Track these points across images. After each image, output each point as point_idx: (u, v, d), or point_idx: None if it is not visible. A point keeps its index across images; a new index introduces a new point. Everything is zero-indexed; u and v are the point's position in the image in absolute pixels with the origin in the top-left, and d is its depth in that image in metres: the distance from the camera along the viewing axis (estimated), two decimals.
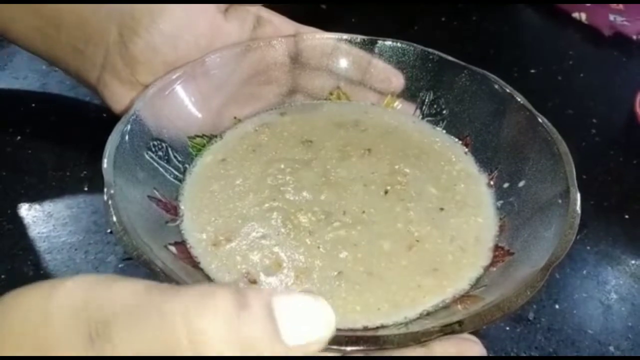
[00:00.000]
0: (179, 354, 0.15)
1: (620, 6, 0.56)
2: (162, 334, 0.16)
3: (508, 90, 0.35)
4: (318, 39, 0.39)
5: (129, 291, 0.17)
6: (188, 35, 0.34)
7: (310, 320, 0.17)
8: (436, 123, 0.38)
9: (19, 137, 0.41)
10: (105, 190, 0.26)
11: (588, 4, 0.57)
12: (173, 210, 0.31)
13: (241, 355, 0.16)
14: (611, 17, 0.56)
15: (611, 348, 0.30)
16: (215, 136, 0.36)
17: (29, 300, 0.17)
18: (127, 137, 0.29)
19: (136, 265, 0.32)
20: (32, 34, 0.37)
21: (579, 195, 0.28)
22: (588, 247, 0.35)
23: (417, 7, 0.56)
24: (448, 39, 0.39)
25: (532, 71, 0.49)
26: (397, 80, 0.38)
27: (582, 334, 0.31)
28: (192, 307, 0.16)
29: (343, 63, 0.39)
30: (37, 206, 0.37)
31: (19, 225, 0.35)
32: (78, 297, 0.16)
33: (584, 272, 0.33)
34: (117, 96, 0.35)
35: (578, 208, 0.27)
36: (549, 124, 0.32)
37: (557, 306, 0.32)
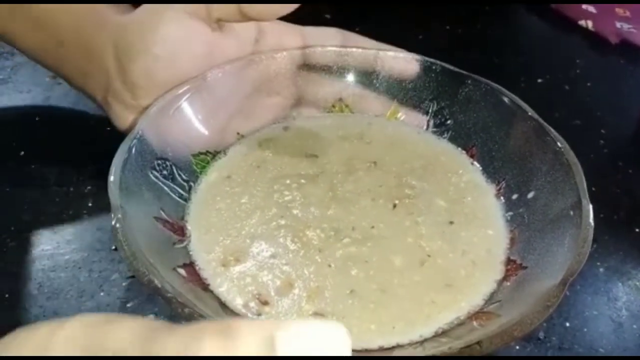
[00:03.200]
0: None
1: (627, 13, 0.56)
2: None
3: (513, 100, 0.35)
4: (322, 50, 0.38)
5: (125, 334, 0.16)
6: (184, 56, 0.34)
7: (322, 346, 0.15)
8: (441, 134, 0.38)
9: (22, 152, 0.40)
10: (112, 214, 0.26)
11: (594, 11, 0.56)
12: (180, 231, 0.30)
13: None
14: (618, 25, 0.55)
15: None
16: (219, 152, 0.35)
17: (29, 341, 0.17)
18: (131, 158, 0.29)
19: (139, 284, 0.32)
20: (38, 50, 0.37)
21: (591, 207, 0.28)
22: (598, 263, 0.34)
23: (421, 15, 0.56)
24: (452, 48, 0.39)
25: (539, 80, 0.49)
26: (411, 64, 0.38)
27: (593, 353, 0.30)
28: (181, 350, 0.15)
29: (350, 67, 0.39)
30: (40, 223, 0.36)
31: (22, 242, 0.35)
32: (79, 337, 0.16)
33: (594, 288, 0.33)
34: (123, 119, 0.35)
35: (591, 220, 0.27)
36: (556, 133, 0.32)
37: (567, 324, 0.31)
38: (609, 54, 0.54)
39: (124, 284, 0.32)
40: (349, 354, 0.15)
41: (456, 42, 0.54)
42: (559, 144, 0.31)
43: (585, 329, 0.31)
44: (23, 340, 0.17)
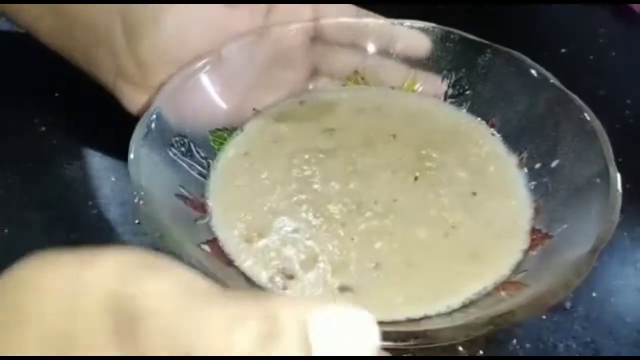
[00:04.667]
0: None
1: None
2: (186, 346, 0.14)
3: (535, 68, 0.34)
4: (337, 22, 0.37)
5: (168, 288, 0.15)
6: (194, 30, 0.33)
7: (351, 341, 0.15)
8: (460, 104, 0.37)
9: (43, 128, 0.40)
10: (135, 193, 0.25)
11: None
12: (201, 208, 0.30)
13: None
14: None
15: None
16: (236, 129, 0.35)
17: (61, 269, 0.15)
18: (150, 134, 0.29)
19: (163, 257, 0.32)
20: (53, 34, 0.36)
21: (618, 174, 0.27)
22: (625, 233, 0.34)
23: None
24: (472, 21, 0.38)
25: (562, 51, 0.48)
26: (424, 42, 0.37)
27: (620, 323, 0.30)
28: (223, 324, 0.14)
29: (365, 38, 0.38)
30: (63, 198, 0.36)
31: (46, 216, 0.35)
32: (112, 278, 0.15)
33: (621, 258, 0.33)
34: (134, 101, 0.34)
35: (619, 187, 0.27)
36: (580, 101, 0.32)
37: (594, 294, 0.31)
38: (634, 23, 0.53)
39: None
40: (377, 342, 0.15)
41: (476, 15, 0.53)
42: (583, 111, 0.31)
43: (612, 299, 0.31)
44: (58, 264, 0.15)
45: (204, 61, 0.33)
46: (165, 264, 0.15)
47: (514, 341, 0.29)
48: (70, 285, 0.15)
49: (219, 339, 0.14)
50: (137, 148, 0.27)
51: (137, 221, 0.34)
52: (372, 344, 0.15)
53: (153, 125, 0.29)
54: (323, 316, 0.15)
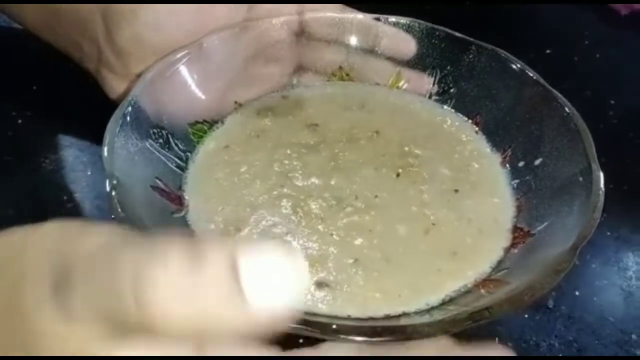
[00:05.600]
0: (125, 311, 0.15)
1: None
2: (111, 287, 0.15)
3: (519, 66, 0.34)
4: (321, 16, 0.37)
5: (95, 240, 0.16)
6: (172, 20, 0.33)
7: (280, 280, 0.15)
8: (444, 102, 0.37)
9: (20, 121, 0.40)
10: (107, 181, 0.25)
11: None
12: (177, 200, 0.29)
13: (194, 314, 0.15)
14: None
15: (633, 336, 0.29)
16: (217, 122, 0.34)
17: (13, 236, 0.17)
18: (126, 124, 0.28)
19: None
20: (41, 26, 0.37)
21: (601, 173, 0.27)
22: (608, 233, 0.34)
23: None
24: (460, 20, 0.38)
25: (548, 51, 0.48)
26: (409, 44, 0.37)
27: (603, 322, 0.30)
28: (143, 259, 0.15)
29: (350, 34, 0.37)
30: (39, 191, 0.35)
31: (22, 210, 0.34)
32: (52, 239, 0.16)
33: (604, 258, 0.33)
34: (115, 88, 0.34)
35: (602, 185, 0.26)
36: (564, 99, 0.31)
37: (577, 293, 0.31)
38: (618, 25, 0.53)
39: None
40: (307, 284, 0.17)
41: (463, 15, 0.52)
42: (566, 109, 0.31)
43: (595, 298, 0.30)
44: (12, 233, 0.17)
45: (183, 52, 0.32)
46: (96, 225, 0.17)
47: (496, 340, 0.29)
48: (17, 247, 0.17)
49: (143, 276, 0.15)
50: (112, 137, 0.27)
51: (113, 215, 0.33)
52: (302, 285, 0.16)
53: (129, 114, 0.28)
54: (251, 254, 0.15)
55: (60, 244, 0.16)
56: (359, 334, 0.20)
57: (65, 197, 0.35)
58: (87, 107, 0.40)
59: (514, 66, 0.34)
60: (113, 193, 0.24)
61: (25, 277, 0.16)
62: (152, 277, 0.15)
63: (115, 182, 0.24)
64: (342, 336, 0.20)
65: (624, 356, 0.29)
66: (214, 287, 0.15)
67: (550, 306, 0.30)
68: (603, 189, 0.26)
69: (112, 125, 0.27)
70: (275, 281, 0.15)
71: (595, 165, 0.27)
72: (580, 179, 0.27)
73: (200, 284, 0.15)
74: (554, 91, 0.32)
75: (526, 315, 0.30)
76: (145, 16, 0.32)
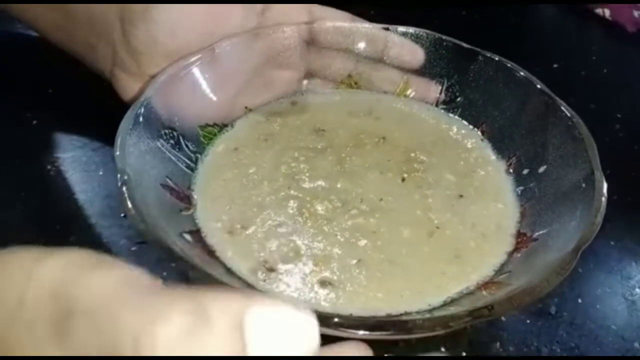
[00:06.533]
0: None
1: None
2: (112, 344, 0.15)
3: (525, 75, 0.34)
4: (332, 25, 0.38)
5: (102, 284, 0.16)
6: (185, 22, 0.34)
7: (289, 336, 0.15)
8: (450, 110, 0.37)
9: (34, 122, 0.41)
10: (118, 176, 0.25)
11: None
12: (186, 199, 0.30)
13: None
14: (635, 14, 0.54)
15: (636, 344, 0.29)
16: (226, 125, 0.35)
17: (19, 261, 0.17)
18: (138, 124, 0.29)
19: (148, 249, 0.32)
20: (54, 29, 0.38)
21: (604, 179, 0.27)
22: (612, 242, 0.34)
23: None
24: (468, 33, 0.38)
25: (555, 65, 0.49)
26: (417, 54, 0.37)
27: (605, 329, 0.30)
28: (146, 316, 0.15)
29: (359, 43, 0.38)
30: (50, 190, 0.36)
31: (33, 210, 0.35)
32: (58, 275, 0.16)
33: (608, 267, 0.33)
34: (128, 89, 0.35)
35: (605, 191, 0.27)
36: (568, 107, 0.32)
37: (579, 300, 0.31)
38: (625, 41, 0.53)
39: (132, 248, 0.32)
40: (316, 343, 0.15)
41: (472, 27, 0.53)
42: (571, 117, 0.31)
43: (598, 306, 0.30)
44: (4, 263, 0.17)
45: (196, 57, 0.33)
46: (109, 263, 0.16)
47: (497, 344, 0.29)
48: (22, 278, 0.16)
49: (144, 334, 0.14)
50: (124, 134, 0.27)
51: (122, 214, 0.34)
52: (311, 344, 0.15)
53: (142, 115, 0.29)
54: (259, 312, 0.15)
55: (68, 278, 0.16)
56: (359, 328, 0.20)
57: (76, 196, 0.36)
58: (100, 109, 0.41)
59: (519, 75, 0.34)
60: (124, 188, 0.25)
61: (26, 310, 0.16)
62: (153, 336, 0.14)
63: (126, 177, 0.25)
64: (341, 329, 0.20)
65: (625, 356, 0.29)
66: (216, 347, 0.14)
67: (553, 312, 0.30)
68: (605, 194, 0.26)
69: (125, 124, 0.28)
70: (283, 340, 0.15)
71: (599, 172, 0.28)
72: (584, 185, 0.28)
73: (202, 345, 0.14)
74: (559, 100, 0.32)
75: (528, 321, 0.30)
76: (159, 18, 0.33)
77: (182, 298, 0.15)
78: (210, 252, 0.27)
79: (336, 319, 0.20)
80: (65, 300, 0.15)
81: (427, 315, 0.25)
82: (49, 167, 0.38)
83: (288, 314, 0.15)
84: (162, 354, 0.14)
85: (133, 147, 0.28)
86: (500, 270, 0.28)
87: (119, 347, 0.14)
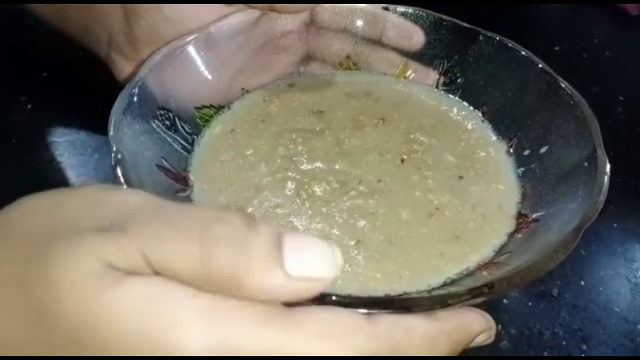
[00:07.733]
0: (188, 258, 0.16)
1: None
2: (178, 236, 0.16)
3: (526, 55, 0.34)
4: (331, 5, 0.37)
5: (143, 197, 0.17)
6: (191, 22, 0.34)
7: (317, 258, 0.17)
8: (451, 92, 0.37)
9: (29, 106, 0.40)
10: (112, 156, 0.25)
11: None
12: (182, 181, 0.30)
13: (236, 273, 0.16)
14: None
15: (639, 326, 0.29)
16: (223, 107, 0.35)
17: (39, 206, 0.18)
18: (133, 104, 0.28)
19: None
20: (51, 12, 0.38)
21: (607, 157, 0.27)
22: (615, 225, 0.34)
23: None
24: (469, 16, 0.38)
25: (557, 48, 0.48)
26: (417, 36, 0.37)
27: (608, 312, 0.29)
28: (210, 217, 0.16)
29: (358, 23, 0.38)
30: (46, 174, 0.36)
31: (29, 194, 0.35)
32: (91, 195, 0.17)
33: (611, 249, 0.32)
34: (124, 71, 0.35)
35: (607, 170, 0.26)
36: (570, 87, 0.31)
37: (582, 282, 0.31)
38: (628, 25, 0.53)
39: None
40: (337, 274, 0.18)
41: (473, 12, 0.52)
42: (572, 95, 0.30)
43: (601, 288, 0.30)
44: (31, 207, 0.18)
45: (192, 36, 0.33)
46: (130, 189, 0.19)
47: (499, 327, 0.28)
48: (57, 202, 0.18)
49: (210, 230, 0.16)
50: (118, 114, 0.27)
51: None
52: (336, 266, 0.17)
53: (136, 94, 0.28)
54: (297, 234, 0.17)
55: (103, 196, 0.17)
56: (357, 306, 0.20)
57: (72, 180, 0.36)
58: (96, 94, 0.40)
59: (520, 55, 0.34)
60: (118, 168, 0.24)
61: (63, 226, 0.16)
62: (217, 231, 0.16)
63: (120, 156, 0.25)
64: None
65: (624, 356, 0.28)
66: (261, 248, 0.16)
67: (555, 294, 0.30)
68: (608, 173, 0.26)
69: (119, 104, 0.28)
70: (312, 257, 0.17)
71: (601, 150, 0.27)
72: (585, 164, 0.27)
73: (250, 241, 0.16)
74: (560, 79, 0.32)
75: (530, 303, 0.29)
76: (167, 13, 0.33)
77: (236, 211, 0.17)
78: None
79: (334, 297, 0.20)
80: (108, 206, 0.17)
81: (426, 296, 0.24)
82: (44, 151, 0.38)
83: (320, 242, 0.17)
84: (223, 248, 0.16)
85: (127, 128, 0.27)
86: (500, 251, 0.27)
87: (186, 239, 0.16)
